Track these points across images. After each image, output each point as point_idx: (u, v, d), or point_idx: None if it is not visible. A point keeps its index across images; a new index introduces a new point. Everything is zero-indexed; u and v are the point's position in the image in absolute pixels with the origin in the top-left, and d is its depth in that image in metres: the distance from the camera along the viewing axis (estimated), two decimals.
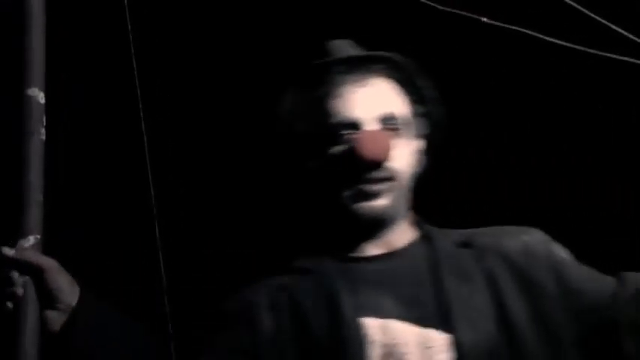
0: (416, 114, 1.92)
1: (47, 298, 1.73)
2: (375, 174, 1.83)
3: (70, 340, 1.74)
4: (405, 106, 1.91)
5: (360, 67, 1.89)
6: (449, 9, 1.75)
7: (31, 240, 1.72)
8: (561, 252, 1.88)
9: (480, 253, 1.86)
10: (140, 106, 1.70)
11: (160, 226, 1.88)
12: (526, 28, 1.83)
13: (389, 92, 1.90)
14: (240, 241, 2.89)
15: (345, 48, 1.93)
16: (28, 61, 1.77)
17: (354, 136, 1.84)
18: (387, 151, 1.83)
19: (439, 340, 1.77)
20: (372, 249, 1.88)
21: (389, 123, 1.86)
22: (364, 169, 1.83)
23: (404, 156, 1.88)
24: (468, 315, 1.78)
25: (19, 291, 1.70)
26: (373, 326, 1.78)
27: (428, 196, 2.37)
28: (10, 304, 1.70)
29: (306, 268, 1.87)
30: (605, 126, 2.84)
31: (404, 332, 1.78)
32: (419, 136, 1.94)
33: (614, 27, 1.72)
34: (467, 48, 2.77)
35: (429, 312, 1.79)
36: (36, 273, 1.71)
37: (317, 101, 1.89)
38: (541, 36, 1.82)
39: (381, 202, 1.84)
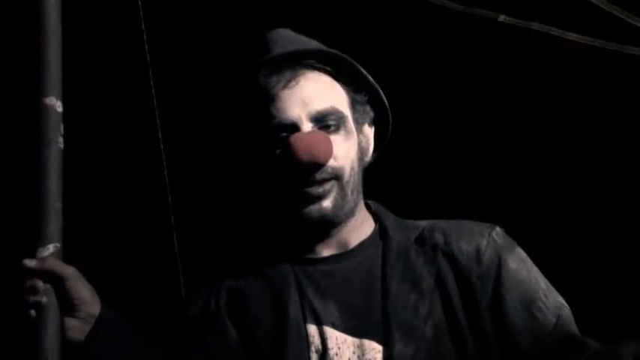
0: (357, 102, 1.87)
1: (68, 306, 1.72)
2: (317, 176, 1.78)
3: (87, 351, 1.74)
4: (344, 98, 1.86)
5: (291, 64, 1.83)
6: (466, 9, 1.74)
7: (51, 248, 1.72)
8: (514, 263, 1.82)
9: (432, 253, 1.82)
10: (156, 113, 1.70)
11: (177, 231, 1.88)
12: (544, 26, 1.81)
13: (323, 87, 1.84)
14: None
15: (280, 42, 1.86)
16: (45, 70, 1.77)
17: (291, 139, 1.78)
18: (324, 151, 1.77)
19: (375, 351, 1.74)
20: (325, 250, 1.85)
21: (325, 119, 1.80)
22: (304, 172, 1.78)
23: (346, 151, 1.82)
24: (408, 325, 1.75)
25: (43, 300, 1.69)
26: (314, 334, 1.77)
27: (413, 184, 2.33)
28: (33, 312, 1.69)
29: (259, 270, 1.84)
30: (625, 122, 2.82)
31: (340, 343, 1.76)
32: (365, 124, 1.89)
33: (631, 21, 1.71)
34: (484, 47, 2.75)
35: (369, 322, 1.76)
36: (57, 282, 1.71)
37: (253, 104, 1.83)
38: (559, 32, 1.80)
39: (326, 204, 1.80)
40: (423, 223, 1.88)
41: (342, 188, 1.81)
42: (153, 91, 1.67)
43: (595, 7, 1.81)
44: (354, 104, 1.86)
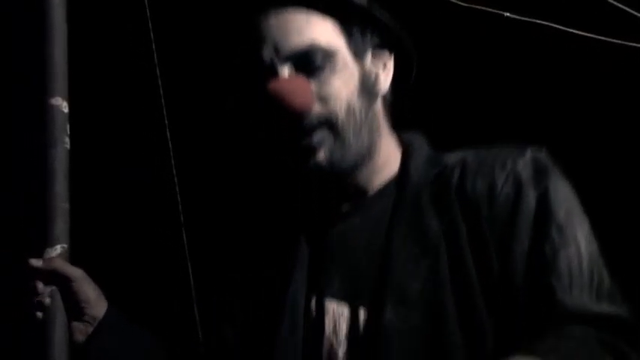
0: (353, 30, 1.64)
1: (73, 308, 1.72)
2: (303, 125, 1.58)
3: (88, 353, 1.72)
4: (330, 30, 1.62)
5: (264, 6, 1.62)
6: (472, 5, 1.73)
7: (58, 249, 1.72)
8: (532, 199, 1.53)
9: (445, 195, 1.58)
10: (164, 112, 1.70)
11: (186, 231, 1.88)
12: (549, 22, 1.81)
13: (299, 22, 1.61)
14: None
15: None
16: (51, 70, 1.77)
17: (268, 88, 1.58)
18: (299, 100, 1.57)
19: (369, 322, 1.55)
20: (345, 203, 1.66)
21: (305, 59, 1.59)
22: (288, 122, 1.58)
23: (337, 90, 1.60)
24: (403, 288, 1.52)
25: (47, 301, 1.68)
26: (313, 310, 1.60)
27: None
28: (39, 314, 1.69)
29: (277, 246, 1.70)
30: (631, 118, 2.82)
31: (337, 316, 1.57)
32: (367, 52, 1.66)
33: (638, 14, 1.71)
34: (490, 43, 2.75)
35: (368, 288, 1.55)
36: (63, 283, 1.70)
37: (239, 49, 1.67)
38: (564, 28, 1.80)
39: (320, 156, 1.59)
40: (453, 157, 1.64)
41: (337, 134, 1.59)
42: (160, 91, 1.67)
43: (600, 3, 1.81)
44: (349, 33, 1.64)
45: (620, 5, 1.82)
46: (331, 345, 1.57)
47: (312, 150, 1.58)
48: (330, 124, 1.59)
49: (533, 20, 1.75)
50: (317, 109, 1.59)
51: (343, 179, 1.63)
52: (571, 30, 1.83)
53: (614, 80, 2.69)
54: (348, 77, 1.62)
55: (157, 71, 1.68)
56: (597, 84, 2.76)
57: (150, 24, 1.70)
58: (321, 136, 1.59)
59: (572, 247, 1.50)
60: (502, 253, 1.51)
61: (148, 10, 1.68)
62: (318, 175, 1.60)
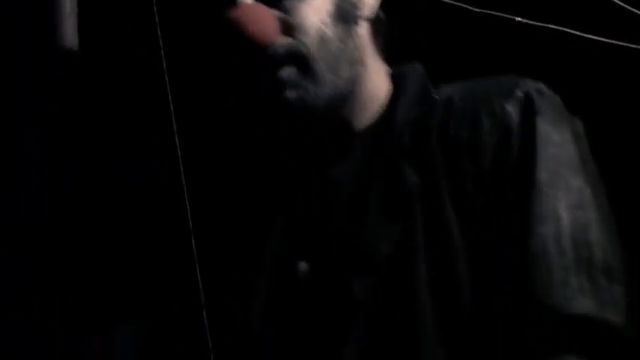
0: None
1: None
2: (271, 55, 1.37)
3: None
4: None
5: None
6: (483, 10, 1.72)
7: None
8: (515, 157, 1.28)
9: (426, 142, 1.35)
10: (173, 118, 1.70)
11: (195, 234, 1.87)
12: (560, 26, 1.80)
13: None
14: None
15: None
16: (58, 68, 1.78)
17: (228, 15, 1.39)
18: (262, 28, 1.38)
19: (335, 290, 1.36)
20: (334, 150, 1.44)
21: None
22: (255, 55, 1.38)
23: (304, 19, 1.39)
24: (372, 252, 1.32)
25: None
26: (286, 275, 1.43)
27: None
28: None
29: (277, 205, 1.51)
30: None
31: (307, 283, 1.40)
32: None
33: None
34: (503, 47, 2.75)
35: (336, 252, 1.36)
36: None
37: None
38: (575, 32, 1.80)
39: (290, 94, 1.37)
40: (443, 93, 1.40)
41: (308, 68, 1.39)
42: (169, 97, 1.66)
43: (611, 7, 1.81)
44: None
45: (628, 7, 1.81)
46: (298, 313, 1.39)
47: (281, 85, 1.37)
48: (299, 56, 1.39)
49: (545, 25, 1.75)
50: (283, 39, 1.39)
51: (321, 118, 1.41)
52: (576, 32, 1.82)
53: (626, 82, 2.70)
54: (320, 2, 1.42)
55: (166, 77, 1.66)
56: (606, 86, 2.76)
57: (158, 30, 1.69)
58: (289, 71, 1.38)
59: (549, 223, 1.27)
60: (489, 219, 1.28)
61: (157, 18, 1.67)
62: (290, 115, 1.39)
